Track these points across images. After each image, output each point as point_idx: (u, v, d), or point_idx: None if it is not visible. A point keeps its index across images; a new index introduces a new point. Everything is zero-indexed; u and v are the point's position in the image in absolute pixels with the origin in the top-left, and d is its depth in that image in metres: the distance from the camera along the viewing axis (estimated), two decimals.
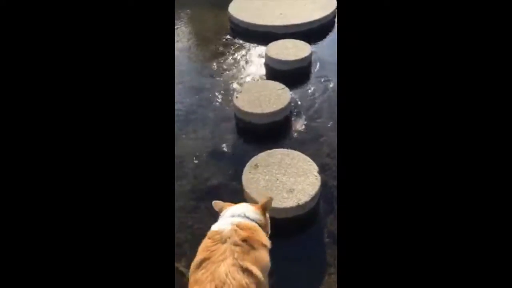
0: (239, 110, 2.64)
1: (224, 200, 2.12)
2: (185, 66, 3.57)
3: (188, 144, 2.59)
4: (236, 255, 1.17)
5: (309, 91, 3.05)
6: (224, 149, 2.54)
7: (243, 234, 1.23)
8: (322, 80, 3.17)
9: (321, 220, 2.01)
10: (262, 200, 1.46)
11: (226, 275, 1.11)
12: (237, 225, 1.26)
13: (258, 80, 3.22)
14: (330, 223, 1.97)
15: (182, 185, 2.27)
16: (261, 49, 3.64)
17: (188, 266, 1.84)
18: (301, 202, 1.87)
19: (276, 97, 2.67)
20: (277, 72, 3.23)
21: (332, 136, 2.54)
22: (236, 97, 2.70)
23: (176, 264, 1.85)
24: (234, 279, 1.10)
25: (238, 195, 2.15)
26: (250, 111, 2.58)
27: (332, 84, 3.09)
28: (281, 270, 1.76)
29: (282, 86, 2.77)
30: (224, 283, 1.09)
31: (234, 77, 3.34)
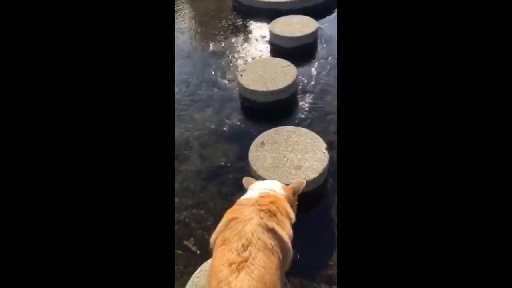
0: (243, 88, 2.59)
1: (231, 182, 2.11)
2: (189, 46, 3.49)
3: (193, 125, 2.56)
4: (262, 215, 1.23)
5: (315, 68, 2.96)
6: (230, 129, 2.51)
7: (270, 199, 1.31)
8: (329, 57, 3.07)
9: (329, 196, 1.99)
10: (295, 182, 1.51)
11: (252, 234, 1.17)
12: (265, 194, 1.35)
13: (262, 57, 3.14)
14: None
15: (188, 166, 2.26)
16: (265, 27, 3.53)
17: (196, 244, 1.88)
18: (309, 178, 1.85)
19: (282, 75, 2.60)
20: (282, 49, 3.14)
21: None
22: (241, 75, 2.64)
23: (185, 242, 1.86)
24: (259, 238, 1.16)
25: (245, 174, 2.13)
26: (254, 89, 2.52)
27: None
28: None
29: (287, 63, 2.70)
30: (250, 242, 1.15)
31: (238, 56, 3.26)
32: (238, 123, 2.55)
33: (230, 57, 3.25)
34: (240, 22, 3.75)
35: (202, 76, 3.05)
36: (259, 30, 3.57)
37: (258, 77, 2.60)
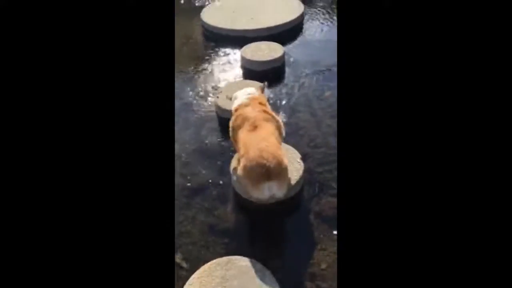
0: (220, 109, 2.76)
1: (213, 197, 2.23)
2: None
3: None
4: (257, 108, 2.02)
5: (285, 88, 3.23)
6: (209, 148, 2.64)
7: (257, 99, 2.11)
8: (297, 78, 3.36)
9: (307, 202, 2.16)
10: (258, 86, 2.34)
11: (255, 116, 1.95)
12: (249, 96, 2.12)
13: (235, 80, 3.36)
14: (315, 205, 2.12)
15: None
16: (235, 52, 3.79)
17: (184, 259, 1.93)
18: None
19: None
20: (253, 73, 3.39)
21: (310, 129, 2.72)
22: (217, 97, 2.81)
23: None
24: (260, 116, 1.96)
25: (227, 189, 2.25)
26: (231, 109, 2.69)
27: (307, 82, 3.29)
28: (272, 250, 1.89)
29: (260, 84, 2.92)
30: (255, 120, 1.93)
31: (212, 80, 3.45)
32: (217, 142, 2.69)
33: (205, 81, 3.44)
34: (212, 49, 3.98)
35: (179, 100, 3.18)
36: (231, 55, 3.82)
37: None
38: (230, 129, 2.09)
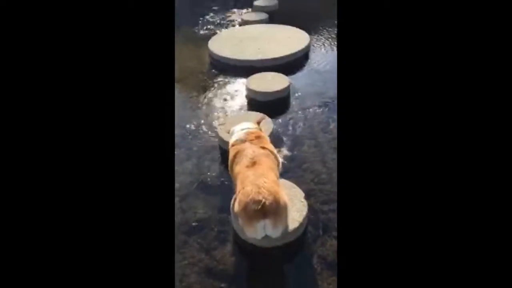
0: (223, 140, 2.71)
1: (212, 236, 2.13)
2: None
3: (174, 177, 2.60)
4: (254, 143, 2.00)
5: (290, 120, 3.19)
6: (209, 181, 2.57)
7: (253, 134, 2.07)
8: (301, 109, 3.33)
9: (310, 245, 2.04)
10: (256, 117, 2.36)
11: (254, 151, 1.91)
12: (247, 131, 2.10)
13: (240, 110, 3.34)
14: (319, 248, 2.00)
15: None
16: (241, 82, 3.81)
17: None
18: (289, 229, 1.91)
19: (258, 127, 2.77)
20: (258, 103, 3.38)
21: (315, 163, 2.64)
22: (220, 128, 2.78)
23: None
24: (259, 152, 1.93)
25: (227, 226, 2.15)
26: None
27: (312, 113, 3.26)
28: None
29: (264, 116, 2.89)
30: (254, 155, 1.89)
31: (217, 109, 3.44)
32: (218, 175, 2.62)
33: (210, 110, 3.43)
34: (218, 78, 4.02)
35: (182, 129, 3.16)
36: (236, 85, 3.84)
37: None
38: (229, 164, 2.06)
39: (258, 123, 2.27)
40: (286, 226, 1.86)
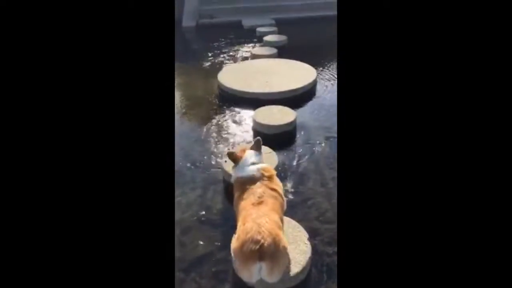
0: (227, 174, 2.69)
1: (211, 275, 2.04)
2: (176, 129, 3.69)
3: (176, 209, 2.55)
4: (265, 183, 1.94)
5: (296, 154, 3.17)
6: (212, 214, 2.52)
7: (267, 174, 2.01)
8: (308, 143, 3.32)
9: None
10: (253, 143, 2.22)
11: (263, 191, 1.88)
12: (262, 169, 2.03)
13: (245, 142, 3.34)
14: None
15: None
16: (248, 114, 3.86)
17: None
18: (292, 273, 1.82)
19: (264, 160, 2.75)
20: (264, 136, 3.38)
21: (320, 200, 2.58)
22: (225, 161, 2.76)
23: None
24: (268, 193, 1.88)
25: (228, 265, 2.06)
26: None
27: (318, 148, 3.24)
28: None
29: (269, 150, 2.89)
30: (262, 195, 1.85)
31: (223, 141, 3.46)
32: (222, 209, 2.57)
33: (215, 142, 3.45)
34: (225, 110, 4.08)
35: (187, 157, 3.16)
36: (243, 117, 3.88)
37: None
38: (234, 199, 2.01)
39: (258, 146, 2.18)
40: (284, 272, 1.77)
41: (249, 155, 2.11)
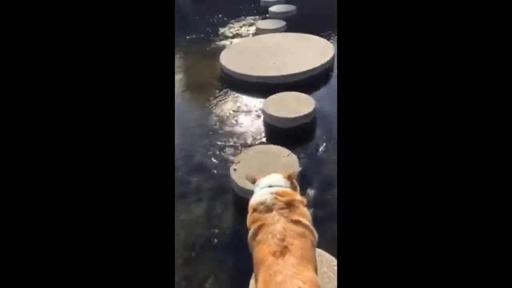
0: (237, 185, 2.22)
1: None
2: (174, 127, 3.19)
3: (179, 229, 2.12)
4: (285, 214, 1.42)
5: (318, 153, 2.67)
6: (220, 233, 2.09)
7: (284, 199, 1.47)
8: (330, 138, 2.80)
9: None
10: (289, 171, 1.69)
11: (284, 229, 1.36)
12: (276, 193, 1.49)
13: (256, 139, 2.84)
14: None
15: None
16: (257, 102, 3.32)
17: None
18: None
19: (282, 167, 2.26)
20: (278, 131, 2.87)
21: None
22: (234, 169, 2.28)
23: None
24: (291, 230, 1.36)
25: None
26: (250, 188, 2.15)
27: None
28: None
29: (287, 152, 2.38)
30: (285, 236, 1.33)
31: (230, 135, 2.95)
32: (231, 226, 2.13)
33: (222, 137, 2.94)
34: (228, 96, 3.55)
35: (191, 161, 2.69)
36: (252, 106, 3.35)
37: (254, 171, 2.25)
38: (249, 237, 1.48)
39: (292, 178, 1.64)
40: None
41: (269, 177, 1.62)
